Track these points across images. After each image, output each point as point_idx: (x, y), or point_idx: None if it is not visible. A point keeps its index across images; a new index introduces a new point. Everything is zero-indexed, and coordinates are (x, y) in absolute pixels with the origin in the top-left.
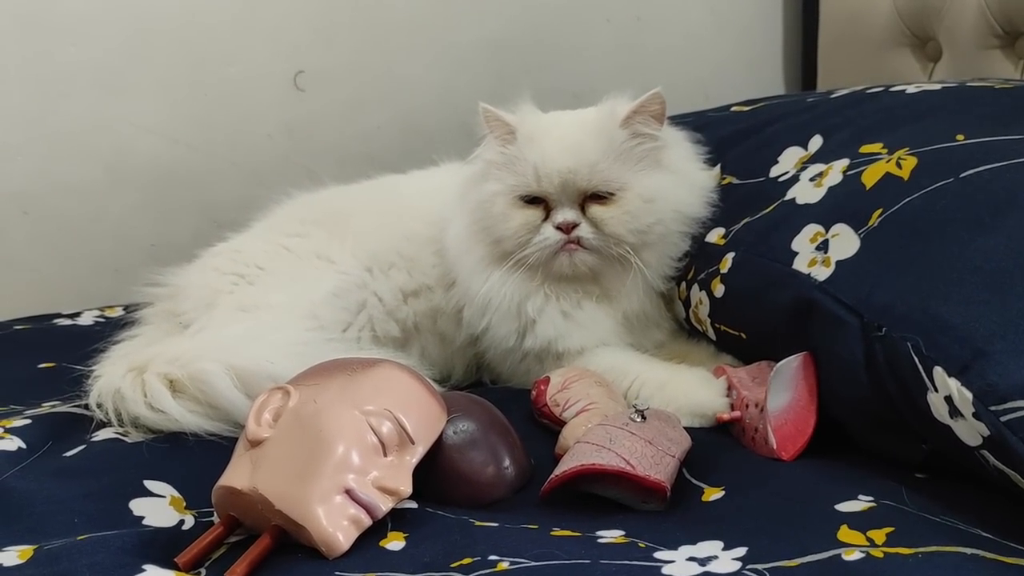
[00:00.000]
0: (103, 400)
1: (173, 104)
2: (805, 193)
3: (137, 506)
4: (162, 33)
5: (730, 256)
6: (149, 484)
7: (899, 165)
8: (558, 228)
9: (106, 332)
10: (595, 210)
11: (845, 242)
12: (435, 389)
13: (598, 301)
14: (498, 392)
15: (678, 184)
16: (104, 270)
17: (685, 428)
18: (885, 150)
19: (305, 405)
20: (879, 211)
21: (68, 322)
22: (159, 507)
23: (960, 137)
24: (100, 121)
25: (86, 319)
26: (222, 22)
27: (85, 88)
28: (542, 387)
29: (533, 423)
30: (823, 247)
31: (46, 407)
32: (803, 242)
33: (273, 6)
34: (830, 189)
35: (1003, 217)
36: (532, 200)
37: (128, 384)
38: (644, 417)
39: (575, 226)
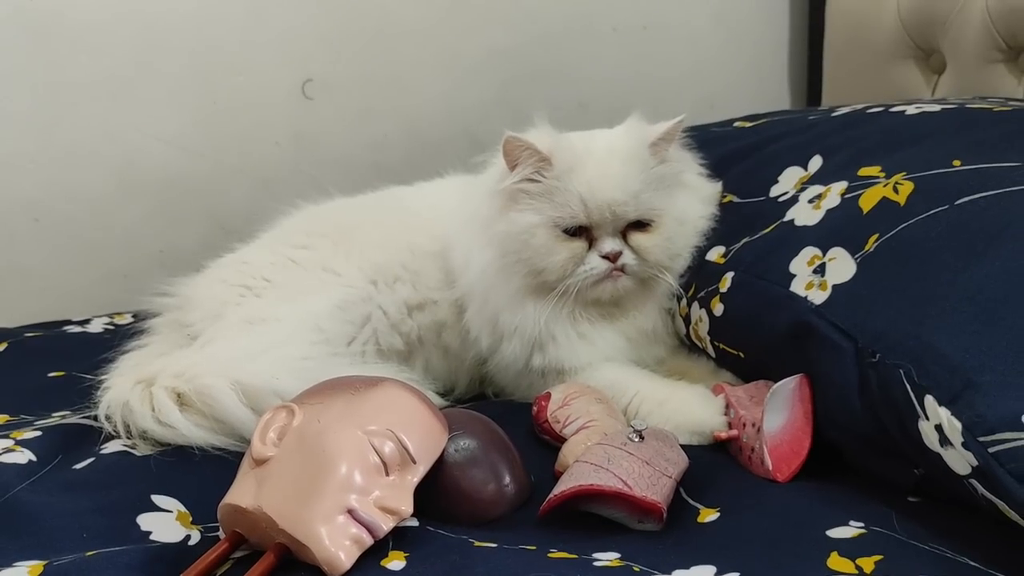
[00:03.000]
0: (112, 413)
1: (182, 113)
2: (804, 215)
3: (144, 521)
4: (172, 43)
5: (729, 276)
6: (157, 499)
7: (896, 190)
8: (605, 257)
9: (115, 340)
10: (636, 238)
11: (842, 266)
12: (436, 408)
13: (611, 320)
14: (499, 407)
15: (697, 200)
16: (114, 277)
17: (683, 445)
18: (883, 174)
19: (309, 424)
20: (875, 236)
21: (78, 329)
22: (166, 522)
23: (957, 163)
24: (110, 130)
25: (96, 326)
26: (231, 31)
27: (95, 97)
28: (543, 403)
29: (533, 439)
30: (820, 270)
31: (56, 417)
32: (801, 265)
33: (281, 15)
34: (828, 212)
35: (996, 247)
36: (575, 231)
37: (136, 397)
38: (642, 437)
39: (619, 254)
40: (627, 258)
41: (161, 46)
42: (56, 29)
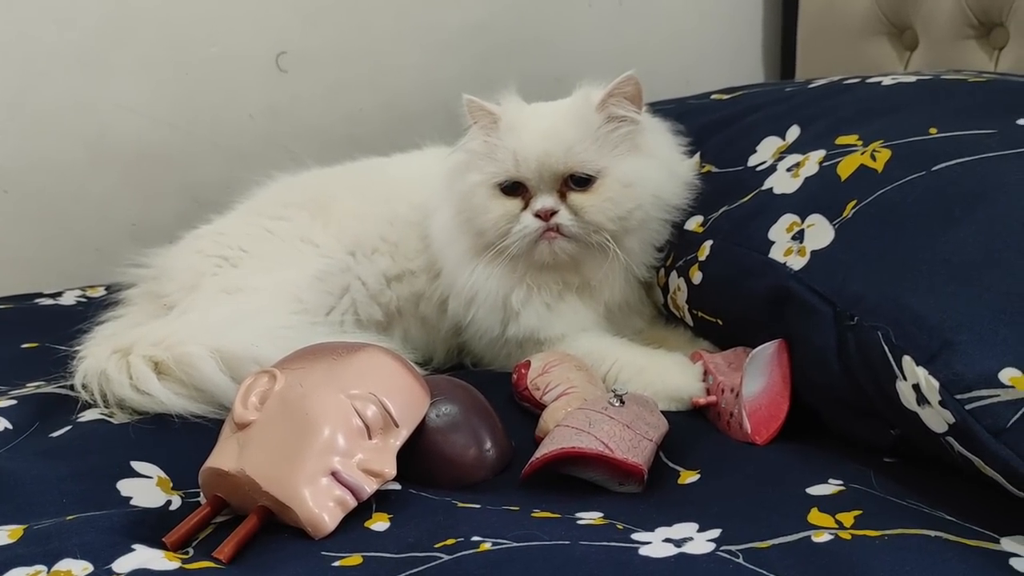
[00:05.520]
0: (88, 381)
1: (155, 84)
2: (782, 183)
3: (124, 487)
4: (144, 13)
5: (708, 244)
6: (136, 465)
7: (873, 157)
8: (537, 215)
9: (88, 312)
10: (574, 197)
11: (820, 232)
12: (418, 373)
13: (579, 292)
14: (479, 375)
15: (657, 169)
16: (85, 250)
17: (663, 412)
18: (860, 142)
19: (291, 388)
20: (853, 202)
21: (50, 302)
22: (146, 488)
23: (933, 130)
24: (81, 101)
25: (68, 299)
26: (204, 2)
27: (67, 68)
28: (523, 371)
29: (514, 406)
30: (799, 237)
31: (31, 387)
32: (779, 232)
33: None
34: (806, 180)
35: (972, 211)
36: (512, 190)
37: (113, 366)
38: (623, 402)
39: (554, 213)
40: (562, 217)
41: (133, 16)
42: None
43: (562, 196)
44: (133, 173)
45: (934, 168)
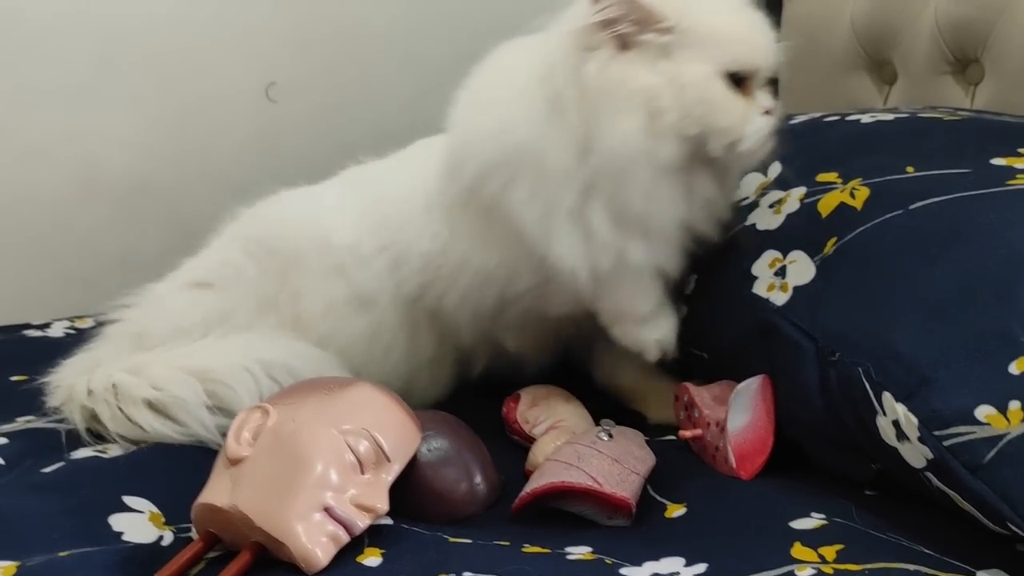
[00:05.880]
0: (70, 411)
1: (144, 116)
2: (765, 219)
3: (116, 521)
4: (134, 45)
5: (692, 278)
6: (128, 500)
7: (853, 195)
8: (767, 113)
9: (77, 343)
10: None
11: (802, 269)
12: (408, 408)
13: None
14: (469, 409)
15: None
16: (73, 281)
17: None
18: (840, 179)
19: (284, 424)
20: (833, 240)
21: (38, 333)
22: (138, 523)
23: (910, 169)
24: (70, 133)
25: (56, 330)
26: (193, 34)
27: (55, 100)
28: (512, 404)
29: (503, 439)
30: (781, 273)
31: (21, 422)
32: (762, 267)
33: (243, 18)
34: (788, 216)
35: (947, 249)
36: (736, 84)
37: (100, 396)
38: (611, 436)
39: (771, 112)
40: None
41: (122, 48)
42: (15, 30)
43: None
44: (122, 205)
45: (911, 207)
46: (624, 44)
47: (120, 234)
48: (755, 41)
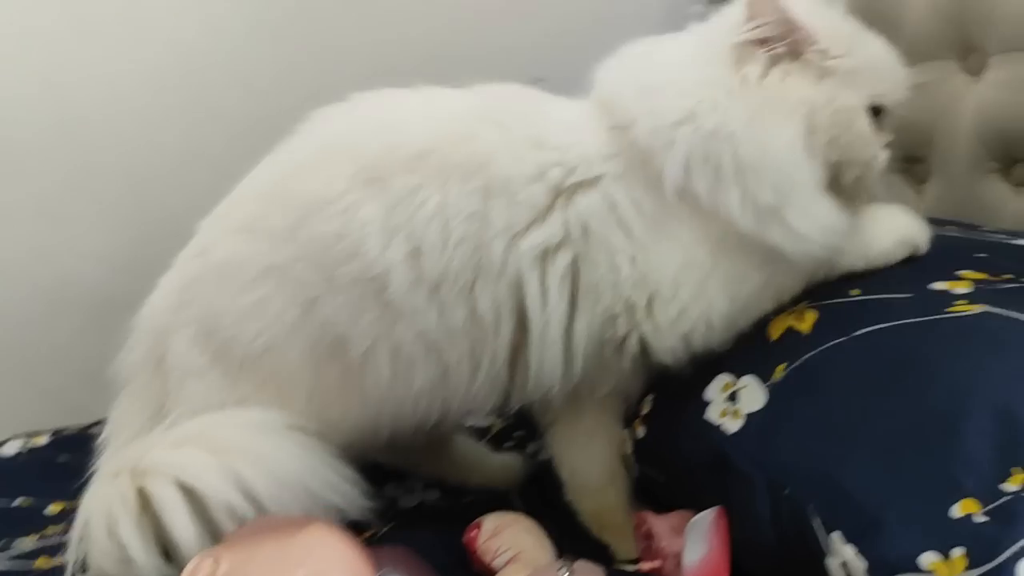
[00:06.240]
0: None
1: (116, 233)
2: None
3: None
4: (106, 165)
5: (649, 399)
6: None
7: (801, 318)
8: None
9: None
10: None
11: (753, 394)
12: (362, 549)
13: None
14: (428, 539)
15: None
16: (32, 394)
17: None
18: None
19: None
20: (783, 365)
21: None
22: None
23: (855, 292)
24: (41, 249)
25: (9, 449)
26: (166, 153)
27: (26, 217)
28: (473, 532)
29: (465, 569)
30: (733, 398)
31: None
32: (716, 391)
33: (215, 138)
34: (740, 338)
35: (894, 381)
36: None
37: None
38: (570, 572)
39: None
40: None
41: (95, 168)
42: None
43: None
44: (91, 320)
45: (856, 333)
46: (780, 57)
47: (87, 347)
48: (900, 77)
